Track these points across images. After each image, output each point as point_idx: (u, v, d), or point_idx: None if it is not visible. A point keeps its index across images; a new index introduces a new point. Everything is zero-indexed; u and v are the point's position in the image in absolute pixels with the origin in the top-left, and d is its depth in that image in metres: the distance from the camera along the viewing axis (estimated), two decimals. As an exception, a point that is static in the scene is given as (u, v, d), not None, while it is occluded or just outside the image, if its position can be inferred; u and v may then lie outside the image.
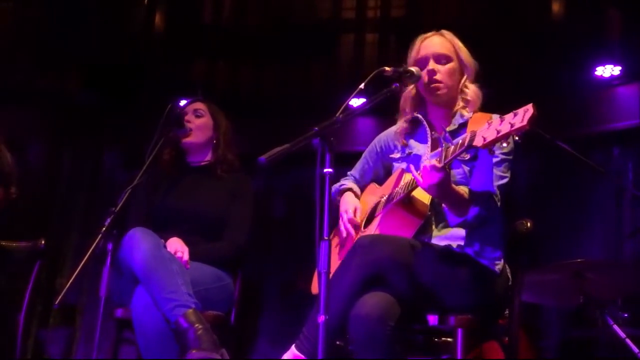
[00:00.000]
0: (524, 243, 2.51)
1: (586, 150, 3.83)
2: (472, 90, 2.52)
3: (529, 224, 2.51)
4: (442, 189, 2.23)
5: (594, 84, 4.24)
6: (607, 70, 4.21)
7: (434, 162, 2.18)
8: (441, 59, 2.53)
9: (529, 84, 4.05)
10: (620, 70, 4.19)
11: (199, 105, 3.24)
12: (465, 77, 2.54)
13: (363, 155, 2.84)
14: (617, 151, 4.21)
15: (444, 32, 2.60)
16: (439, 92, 2.52)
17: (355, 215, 2.63)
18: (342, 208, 2.68)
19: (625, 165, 4.19)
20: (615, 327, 3.09)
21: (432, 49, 2.54)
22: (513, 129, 1.96)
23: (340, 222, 2.65)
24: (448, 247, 2.38)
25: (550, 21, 4.28)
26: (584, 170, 3.81)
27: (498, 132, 2.00)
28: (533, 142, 3.66)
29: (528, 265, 2.61)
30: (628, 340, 3.05)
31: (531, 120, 1.93)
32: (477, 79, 2.57)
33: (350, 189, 2.77)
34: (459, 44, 2.57)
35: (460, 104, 2.52)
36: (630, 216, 4.01)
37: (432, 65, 2.52)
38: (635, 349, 3.01)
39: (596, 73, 4.22)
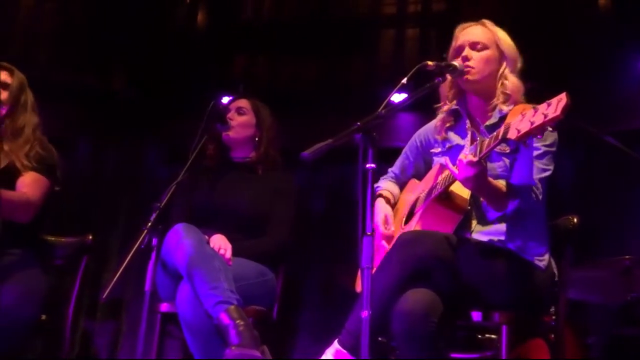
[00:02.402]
0: (570, 239, 2.48)
1: (633, 145, 3.79)
2: (511, 82, 2.46)
3: (575, 220, 2.49)
4: (478, 183, 2.20)
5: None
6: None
7: (470, 156, 2.16)
8: (476, 45, 2.50)
9: (573, 77, 3.98)
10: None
11: (243, 103, 3.27)
12: (504, 66, 2.49)
13: (403, 151, 2.83)
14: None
15: (485, 21, 2.56)
16: (469, 77, 2.47)
17: (386, 223, 2.62)
18: (374, 217, 2.65)
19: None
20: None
21: (468, 37, 2.52)
22: (547, 119, 1.92)
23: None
24: (490, 242, 2.36)
25: (596, 13, 4.20)
26: (632, 166, 3.73)
27: (532, 123, 1.96)
28: (579, 137, 3.61)
29: (574, 262, 2.57)
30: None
31: (565, 109, 1.89)
32: (521, 73, 2.52)
33: (381, 195, 2.75)
34: (500, 33, 2.53)
35: (501, 97, 2.46)
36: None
37: (466, 51, 2.49)
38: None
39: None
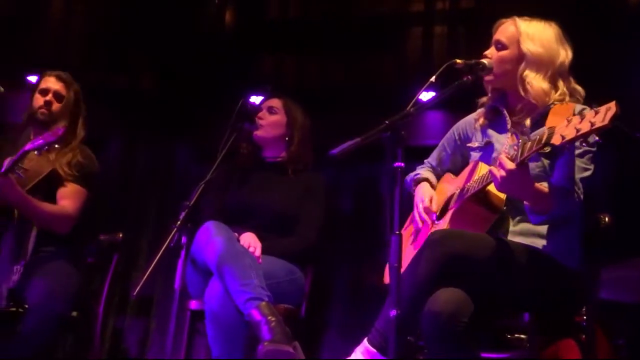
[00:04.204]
0: (602, 238, 2.45)
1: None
2: (533, 87, 2.38)
3: (607, 219, 2.46)
4: (519, 188, 2.18)
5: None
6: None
7: (509, 164, 2.11)
8: (498, 44, 2.47)
9: (606, 76, 3.92)
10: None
11: (274, 103, 3.28)
12: (522, 67, 2.41)
13: (440, 143, 2.81)
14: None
15: (516, 18, 2.49)
16: (485, 78, 2.46)
17: (431, 204, 2.60)
18: (417, 198, 2.66)
19: None
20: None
21: (496, 35, 2.49)
22: (594, 127, 1.87)
23: (415, 211, 2.63)
24: (522, 243, 2.33)
25: (628, 12, 4.15)
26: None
27: (577, 130, 1.91)
28: (612, 135, 3.55)
29: (606, 261, 2.54)
30: None
31: (613, 118, 1.84)
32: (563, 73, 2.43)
33: (426, 179, 2.74)
34: (527, 31, 2.44)
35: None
36: None
37: (490, 50, 2.48)
38: None
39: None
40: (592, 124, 1.88)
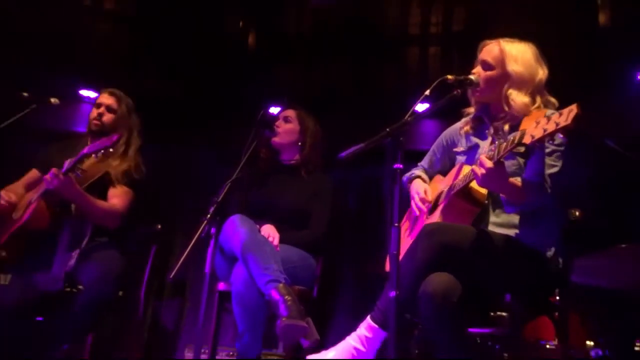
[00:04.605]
0: (574, 230, 2.47)
1: (633, 148, 3.75)
2: (516, 103, 2.38)
3: (577, 213, 2.47)
4: (497, 183, 2.20)
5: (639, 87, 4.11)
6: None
7: (488, 162, 2.14)
8: (484, 64, 2.47)
9: (580, 90, 3.94)
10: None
11: (289, 113, 3.32)
12: (507, 86, 2.42)
13: (431, 148, 2.83)
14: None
15: (501, 41, 2.49)
16: (472, 92, 2.48)
17: (426, 195, 2.62)
18: (412, 191, 2.67)
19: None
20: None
21: (482, 55, 2.49)
22: (558, 127, 1.90)
23: (412, 203, 2.64)
24: (503, 234, 2.35)
25: (597, 32, 4.17)
26: (630, 166, 3.70)
27: (544, 130, 1.94)
28: (583, 141, 3.58)
29: (579, 250, 2.55)
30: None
31: (575, 119, 1.86)
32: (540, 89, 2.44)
33: (419, 177, 2.77)
34: (511, 53, 2.44)
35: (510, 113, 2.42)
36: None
37: (476, 68, 2.48)
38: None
39: (640, 78, 4.09)
40: (557, 124, 1.91)
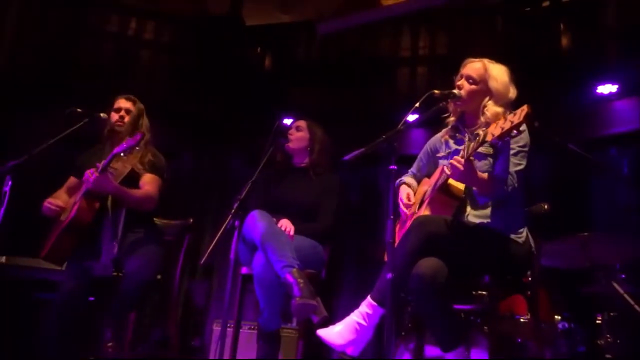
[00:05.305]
0: (543, 220, 2.43)
1: (591, 150, 3.72)
2: (491, 112, 2.35)
3: (546, 207, 2.43)
4: (467, 177, 2.20)
5: (596, 99, 4.06)
6: (606, 89, 4.00)
7: (458, 158, 2.16)
8: (469, 79, 2.42)
9: (546, 102, 3.89)
10: (616, 88, 4.00)
11: (300, 123, 3.29)
12: (487, 99, 2.38)
13: (419, 156, 2.80)
14: (614, 151, 4.03)
15: (485, 60, 2.44)
16: (455, 104, 2.44)
17: (408, 199, 2.60)
18: (399, 197, 2.66)
19: (620, 161, 4.00)
20: (615, 285, 2.94)
21: (466, 70, 2.44)
22: (513, 124, 1.94)
23: (400, 205, 2.63)
24: (480, 223, 2.33)
25: (560, 53, 4.14)
26: (589, 165, 3.66)
27: (502, 128, 1.99)
28: (549, 145, 3.52)
29: (546, 237, 2.52)
30: (626, 295, 2.89)
31: (526, 116, 1.90)
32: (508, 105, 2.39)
33: (404, 183, 2.73)
34: (494, 72, 2.40)
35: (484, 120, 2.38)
36: (625, 199, 3.83)
37: (461, 81, 2.43)
38: (632, 302, 2.86)
39: (597, 91, 4.04)
40: (512, 122, 1.95)
